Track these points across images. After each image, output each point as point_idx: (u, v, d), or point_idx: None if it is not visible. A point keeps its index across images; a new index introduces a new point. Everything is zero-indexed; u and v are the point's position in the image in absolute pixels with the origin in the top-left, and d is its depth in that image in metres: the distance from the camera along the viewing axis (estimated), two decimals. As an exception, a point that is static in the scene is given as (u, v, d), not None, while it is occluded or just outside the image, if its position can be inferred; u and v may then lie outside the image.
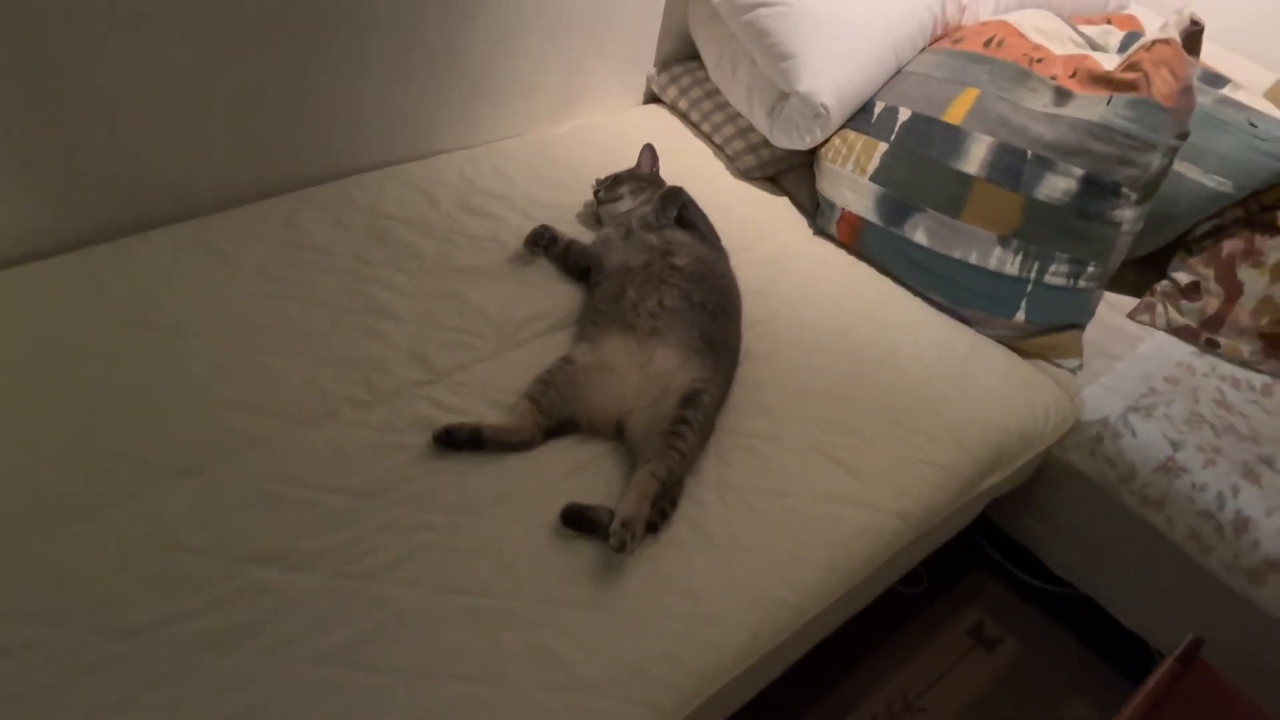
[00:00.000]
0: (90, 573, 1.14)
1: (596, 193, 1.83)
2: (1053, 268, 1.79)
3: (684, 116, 2.23)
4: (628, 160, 1.92)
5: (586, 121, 2.17)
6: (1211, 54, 2.17)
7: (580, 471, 1.41)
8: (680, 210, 1.72)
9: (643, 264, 1.60)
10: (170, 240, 1.56)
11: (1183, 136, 1.76)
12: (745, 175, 2.12)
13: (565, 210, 1.85)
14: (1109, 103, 1.73)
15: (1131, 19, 2.19)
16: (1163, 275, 2.06)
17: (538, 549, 1.29)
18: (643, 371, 1.48)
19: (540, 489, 1.36)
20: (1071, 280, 1.80)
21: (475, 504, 1.32)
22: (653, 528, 1.34)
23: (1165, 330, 2.02)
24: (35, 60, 1.37)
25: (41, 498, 1.19)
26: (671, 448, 1.37)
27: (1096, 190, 1.73)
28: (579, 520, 1.31)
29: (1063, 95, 1.79)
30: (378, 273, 1.62)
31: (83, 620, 1.09)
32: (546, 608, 1.23)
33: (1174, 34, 1.74)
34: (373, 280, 1.60)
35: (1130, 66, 1.75)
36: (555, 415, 1.44)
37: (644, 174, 1.85)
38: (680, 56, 2.29)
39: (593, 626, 1.22)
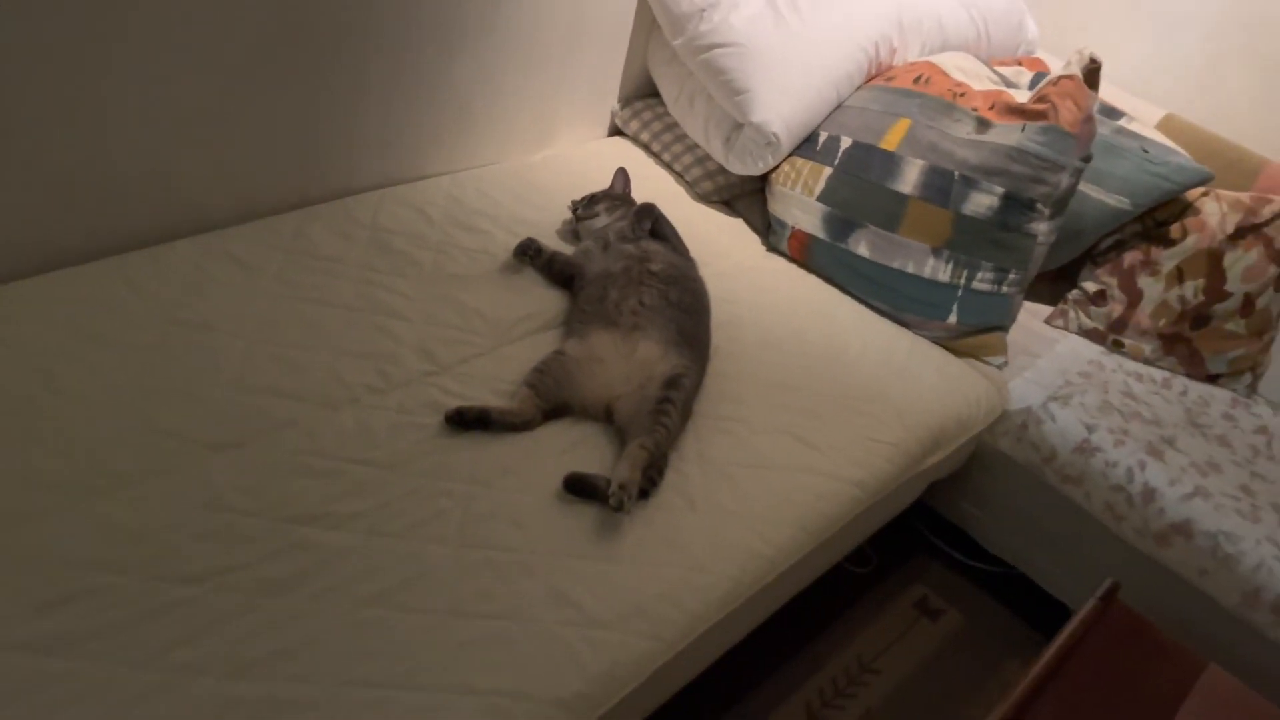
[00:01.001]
0: (151, 530, 1.26)
1: (575, 210, 2.02)
2: (980, 275, 2.03)
3: (645, 147, 2.44)
4: (597, 184, 2.11)
5: (557, 152, 2.37)
6: (1108, 92, 2.47)
7: (576, 448, 1.57)
8: (653, 224, 1.92)
9: (622, 269, 1.79)
10: (193, 249, 1.71)
11: (1086, 159, 2.02)
12: (703, 199, 2.33)
13: (545, 227, 2.04)
14: (1023, 130, 1.99)
15: (1039, 61, 2.48)
16: (1074, 285, 2.32)
17: (545, 512, 1.45)
18: (628, 361, 1.66)
19: (542, 462, 1.52)
20: (996, 286, 2.04)
21: (486, 475, 1.48)
22: (643, 493, 1.51)
23: (1077, 333, 2.28)
24: (79, 99, 1.52)
25: (101, 467, 1.31)
26: (658, 423, 1.55)
27: (1015, 206, 1.98)
28: (580, 486, 1.48)
29: (983, 124, 2.04)
30: (382, 279, 1.78)
31: (148, 570, 1.22)
32: (557, 559, 1.39)
33: (1076, 71, 2.01)
34: (378, 285, 1.76)
35: (1040, 99, 2.01)
36: (552, 400, 1.61)
37: (617, 193, 2.04)
38: (642, 94, 2.51)
39: (599, 574, 1.38)
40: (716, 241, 2.20)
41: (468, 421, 1.54)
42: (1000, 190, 1.98)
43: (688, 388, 1.64)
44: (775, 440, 1.70)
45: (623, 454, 1.52)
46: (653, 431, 1.54)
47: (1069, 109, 1.98)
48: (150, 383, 1.45)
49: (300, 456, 1.42)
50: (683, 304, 1.76)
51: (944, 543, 2.25)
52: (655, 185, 2.32)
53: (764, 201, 2.32)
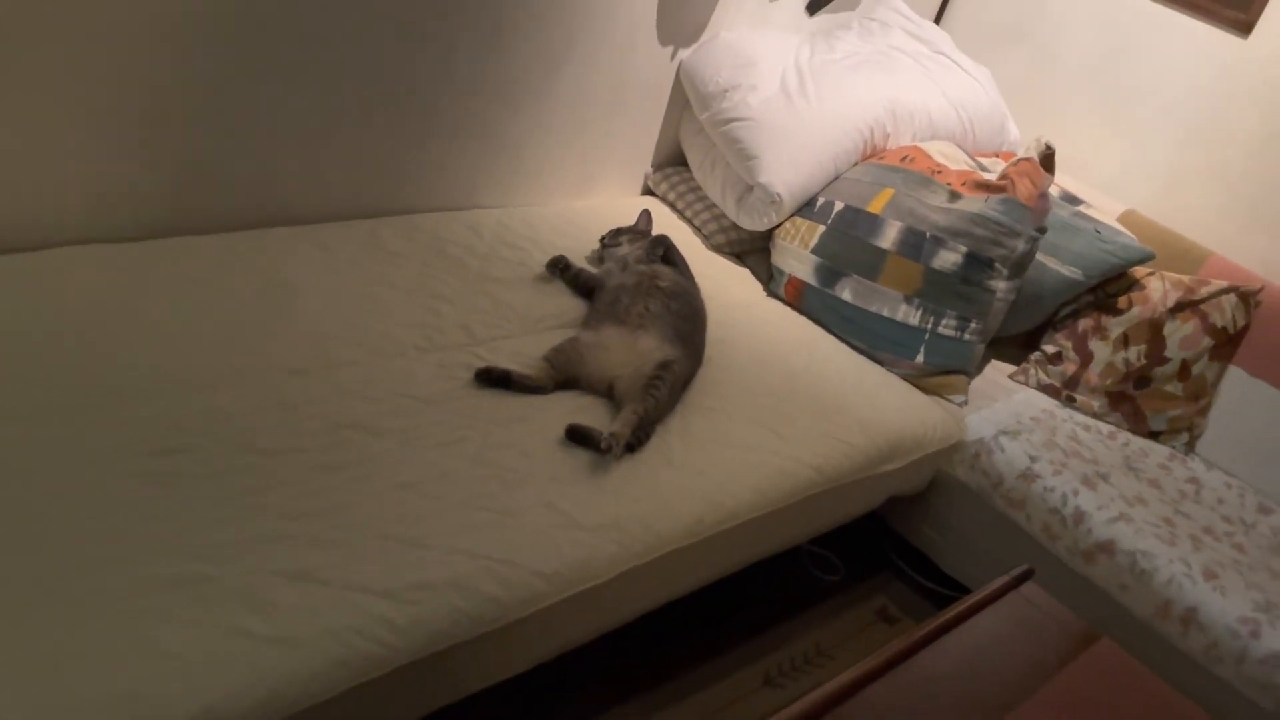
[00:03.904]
0: (237, 416, 1.60)
1: (602, 240, 2.40)
2: (944, 322, 2.35)
3: (672, 206, 2.83)
4: (626, 227, 2.50)
5: (596, 203, 2.77)
6: (1078, 186, 2.83)
7: (580, 411, 1.90)
8: (665, 251, 2.29)
9: (635, 282, 2.14)
10: (287, 234, 2.10)
11: (1041, 230, 2.36)
12: (717, 250, 2.71)
13: (577, 253, 2.40)
14: (986, 200, 2.34)
15: (1014, 155, 2.85)
16: (1038, 348, 2.63)
17: (547, 450, 1.77)
18: (630, 350, 1.99)
19: (550, 417, 1.85)
20: (959, 333, 2.36)
21: (503, 419, 1.81)
22: (630, 448, 1.82)
23: (1036, 388, 2.57)
24: (212, 107, 1.95)
25: (204, 371, 1.67)
26: (649, 394, 1.88)
27: (976, 263, 2.32)
28: (578, 435, 1.80)
29: (954, 195, 2.40)
30: (435, 273, 2.15)
31: (232, 441, 1.55)
32: (552, 483, 1.70)
33: (1034, 154, 2.37)
34: (431, 277, 2.14)
35: (1002, 176, 2.37)
36: (563, 373, 1.95)
37: (640, 229, 2.42)
38: (672, 162, 2.92)
39: (585, 497, 1.69)
40: (724, 283, 2.56)
41: (493, 379, 1.88)
42: (964, 249, 2.32)
43: (677, 373, 1.97)
44: (749, 429, 2.02)
45: (617, 416, 1.85)
46: (643, 400, 1.87)
47: (1026, 185, 2.33)
48: (245, 320, 1.82)
49: (356, 385, 1.77)
50: (682, 313, 2.11)
51: (906, 564, 2.51)
52: (678, 237, 2.66)
53: (769, 256, 2.68)
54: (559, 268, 2.27)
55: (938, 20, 3.35)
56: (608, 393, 1.96)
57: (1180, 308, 2.48)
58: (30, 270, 1.76)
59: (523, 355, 1.99)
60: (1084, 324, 2.55)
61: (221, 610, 1.30)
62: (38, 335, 1.63)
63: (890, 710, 1.58)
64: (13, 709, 1.12)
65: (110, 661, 1.20)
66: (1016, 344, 2.70)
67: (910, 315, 2.37)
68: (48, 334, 1.64)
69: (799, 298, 2.53)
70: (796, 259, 2.53)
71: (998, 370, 2.63)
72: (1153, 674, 1.74)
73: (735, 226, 2.70)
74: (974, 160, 2.64)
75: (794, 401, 2.15)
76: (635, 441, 1.84)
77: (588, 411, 1.91)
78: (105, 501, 1.39)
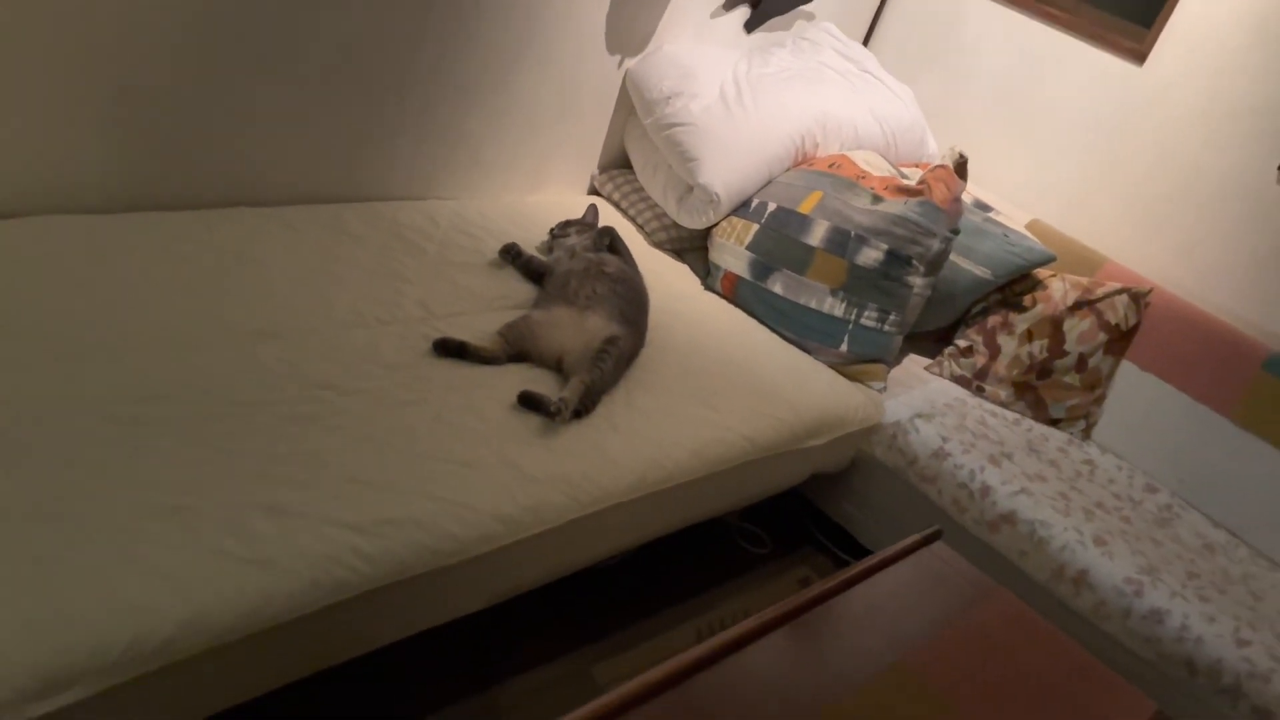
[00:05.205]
0: (212, 371, 1.71)
1: (552, 231, 2.56)
2: (866, 314, 2.56)
3: (616, 205, 3.01)
4: (573, 222, 2.66)
5: (546, 198, 2.93)
6: (987, 195, 3.08)
7: (530, 383, 2.04)
8: (611, 240, 2.46)
9: (583, 268, 2.30)
10: (255, 215, 2.21)
11: (955, 231, 2.58)
12: (658, 247, 2.88)
13: (527, 243, 2.56)
14: (905, 203, 2.56)
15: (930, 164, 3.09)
16: (951, 343, 2.85)
17: (502, 413, 1.92)
18: (578, 327, 2.15)
19: (504, 385, 2.00)
20: (880, 324, 2.56)
21: (460, 385, 1.95)
22: (577, 414, 1.97)
23: (949, 378, 2.79)
24: (192, 90, 2.07)
25: (175, 335, 1.78)
26: (596, 365, 2.04)
27: (895, 260, 2.53)
28: (530, 400, 1.95)
29: (877, 199, 2.61)
30: (395, 255, 2.29)
31: (209, 392, 1.66)
32: (506, 441, 1.84)
33: (949, 162, 2.59)
34: (392, 259, 2.27)
35: (920, 181, 2.59)
36: (516, 347, 2.10)
37: (588, 221, 2.59)
38: (617, 164, 3.10)
39: (537, 455, 1.84)
40: (665, 277, 2.74)
41: (449, 349, 2.02)
42: (885, 247, 2.53)
43: (623, 348, 2.14)
44: (688, 404, 2.19)
45: (566, 385, 2.01)
46: (591, 371, 2.03)
47: (941, 190, 2.55)
48: (216, 289, 1.93)
49: (323, 350, 1.89)
50: (627, 296, 2.28)
51: (827, 539, 2.69)
52: (622, 233, 2.85)
53: (706, 253, 2.87)
54: (511, 254, 2.42)
55: (865, 42, 3.60)
56: (557, 367, 2.12)
57: (1079, 306, 2.72)
58: (4, 236, 1.86)
59: (478, 331, 2.13)
60: (993, 320, 2.78)
61: (205, 535, 1.42)
62: (12, 296, 1.72)
63: (801, 648, 1.74)
64: (19, 622, 1.23)
65: (104, 577, 1.31)
66: (932, 339, 2.92)
67: (835, 307, 2.57)
68: (23, 295, 1.73)
69: (734, 291, 2.72)
70: (732, 255, 2.72)
71: (915, 363, 2.84)
72: (1045, 620, 1.94)
73: (676, 225, 2.88)
74: (895, 169, 2.86)
75: (729, 383, 2.33)
76: (582, 409, 1.99)
77: (538, 383, 2.06)
78: (92, 441, 1.50)
